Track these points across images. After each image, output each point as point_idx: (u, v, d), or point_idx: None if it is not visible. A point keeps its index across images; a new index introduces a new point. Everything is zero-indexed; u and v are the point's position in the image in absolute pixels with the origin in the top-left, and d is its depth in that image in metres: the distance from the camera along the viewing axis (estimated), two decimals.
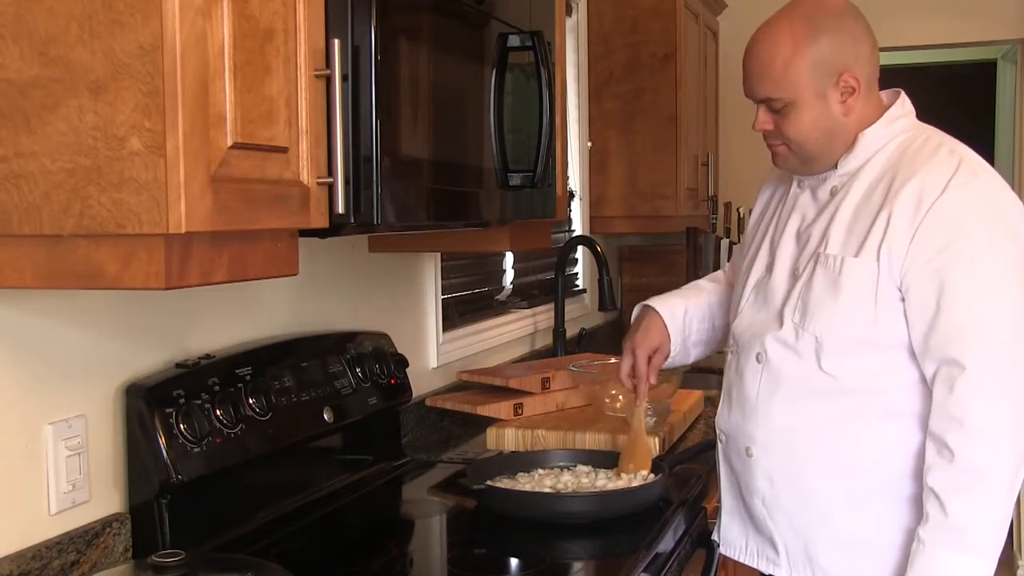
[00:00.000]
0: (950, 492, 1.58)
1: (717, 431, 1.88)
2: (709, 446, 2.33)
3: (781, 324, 1.73)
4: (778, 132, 1.72)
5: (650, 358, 1.95)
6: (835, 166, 1.73)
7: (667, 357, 1.98)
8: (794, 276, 1.74)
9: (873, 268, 1.61)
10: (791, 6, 1.70)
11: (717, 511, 1.95)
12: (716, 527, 1.95)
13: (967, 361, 1.57)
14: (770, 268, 1.80)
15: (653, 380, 1.97)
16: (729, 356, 1.86)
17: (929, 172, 1.63)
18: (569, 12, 3.68)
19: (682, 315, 1.99)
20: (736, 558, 1.90)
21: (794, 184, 1.82)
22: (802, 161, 1.75)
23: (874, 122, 1.71)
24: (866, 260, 1.62)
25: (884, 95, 1.77)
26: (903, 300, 1.61)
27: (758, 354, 1.75)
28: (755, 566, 1.86)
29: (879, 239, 1.62)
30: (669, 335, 1.96)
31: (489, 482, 1.93)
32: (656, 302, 1.99)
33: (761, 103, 1.72)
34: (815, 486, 1.73)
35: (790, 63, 1.65)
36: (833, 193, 1.74)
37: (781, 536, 1.78)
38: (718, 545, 1.93)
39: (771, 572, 1.83)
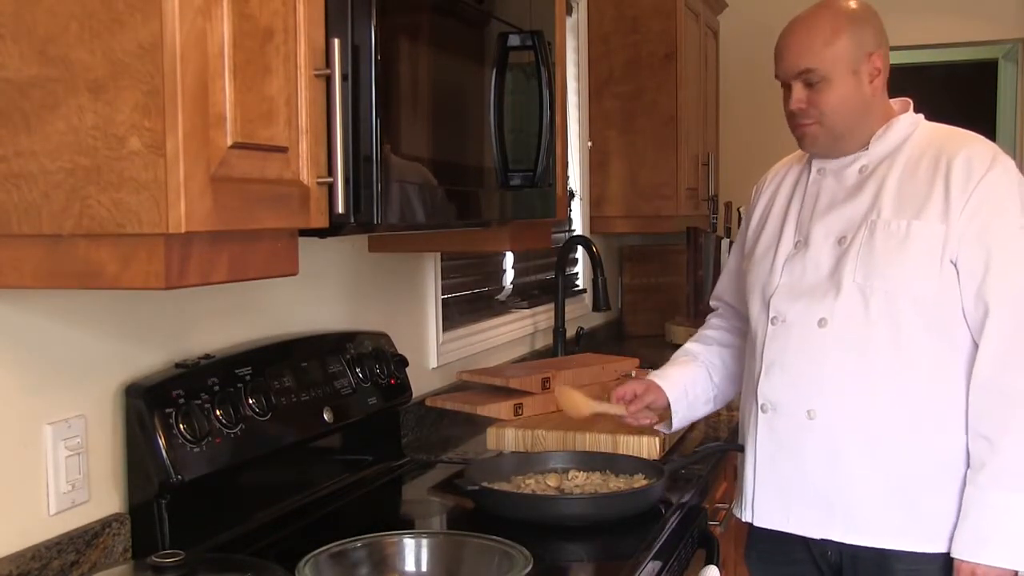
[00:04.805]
0: (1003, 433, 1.69)
1: (758, 402, 1.89)
2: (723, 448, 2.34)
3: (839, 287, 1.80)
4: (812, 109, 1.82)
5: (640, 397, 2.05)
6: (865, 147, 1.85)
7: (661, 407, 2.07)
8: (841, 244, 1.83)
9: (939, 229, 1.75)
10: (821, 4, 1.85)
11: (738, 488, 1.96)
12: (739, 503, 1.96)
13: (1011, 312, 1.72)
14: (804, 243, 1.88)
15: (633, 408, 2.04)
16: (769, 328, 1.88)
17: (974, 148, 1.79)
18: (569, 11, 3.68)
19: (682, 385, 2.09)
20: (775, 527, 1.90)
21: (812, 171, 1.93)
22: (832, 139, 1.85)
23: (892, 116, 1.86)
24: (930, 222, 1.75)
25: (894, 102, 1.89)
26: (955, 263, 1.74)
27: (821, 319, 1.82)
28: (800, 532, 1.87)
29: (940, 204, 1.75)
30: (669, 401, 2.06)
31: (485, 483, 1.92)
32: (655, 375, 2.11)
33: (797, 79, 1.81)
34: (883, 441, 1.78)
35: (832, 37, 1.79)
36: (863, 172, 1.86)
37: (839, 496, 1.81)
38: (748, 522, 1.94)
39: (821, 535, 1.85)
